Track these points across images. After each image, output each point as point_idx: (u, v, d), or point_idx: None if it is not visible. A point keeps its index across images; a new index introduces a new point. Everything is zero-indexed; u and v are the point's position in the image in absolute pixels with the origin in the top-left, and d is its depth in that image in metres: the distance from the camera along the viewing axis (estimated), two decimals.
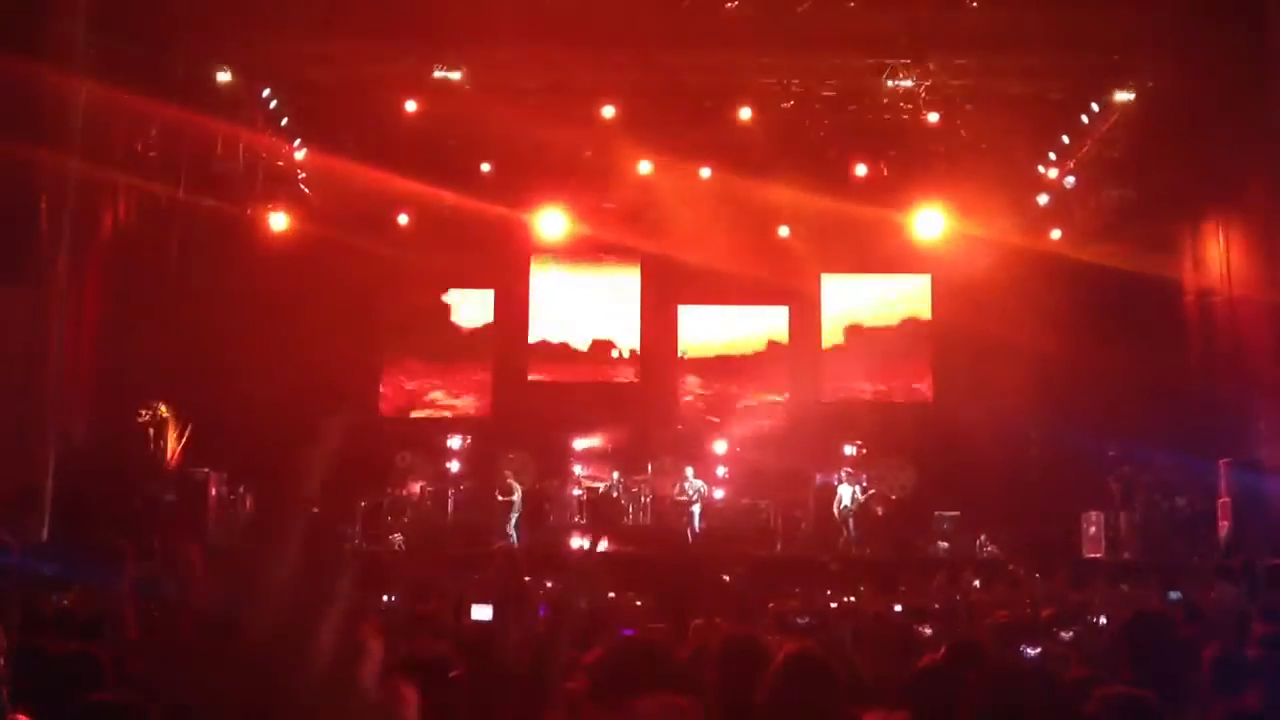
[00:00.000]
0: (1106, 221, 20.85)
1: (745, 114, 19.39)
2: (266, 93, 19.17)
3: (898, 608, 9.87)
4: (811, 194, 21.30)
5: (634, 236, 22.91)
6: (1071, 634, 6.59)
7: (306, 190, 21.70)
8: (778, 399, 23.77)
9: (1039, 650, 6.19)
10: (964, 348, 21.45)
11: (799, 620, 6.32)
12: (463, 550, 17.04)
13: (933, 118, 19.37)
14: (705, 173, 21.01)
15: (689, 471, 20.31)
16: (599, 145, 20.78)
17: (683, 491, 20.06)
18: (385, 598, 10.13)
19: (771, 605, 9.63)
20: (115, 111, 17.26)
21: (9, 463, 15.12)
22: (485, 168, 21.03)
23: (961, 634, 6.93)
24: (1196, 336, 19.44)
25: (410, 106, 19.42)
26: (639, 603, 11.44)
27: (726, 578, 12.66)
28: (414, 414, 23.46)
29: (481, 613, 6.56)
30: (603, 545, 19.49)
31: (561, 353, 23.81)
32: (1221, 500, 17.65)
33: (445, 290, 23.79)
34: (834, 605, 11.31)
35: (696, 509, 19.88)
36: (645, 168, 21.11)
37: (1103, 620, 7.90)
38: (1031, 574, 14.87)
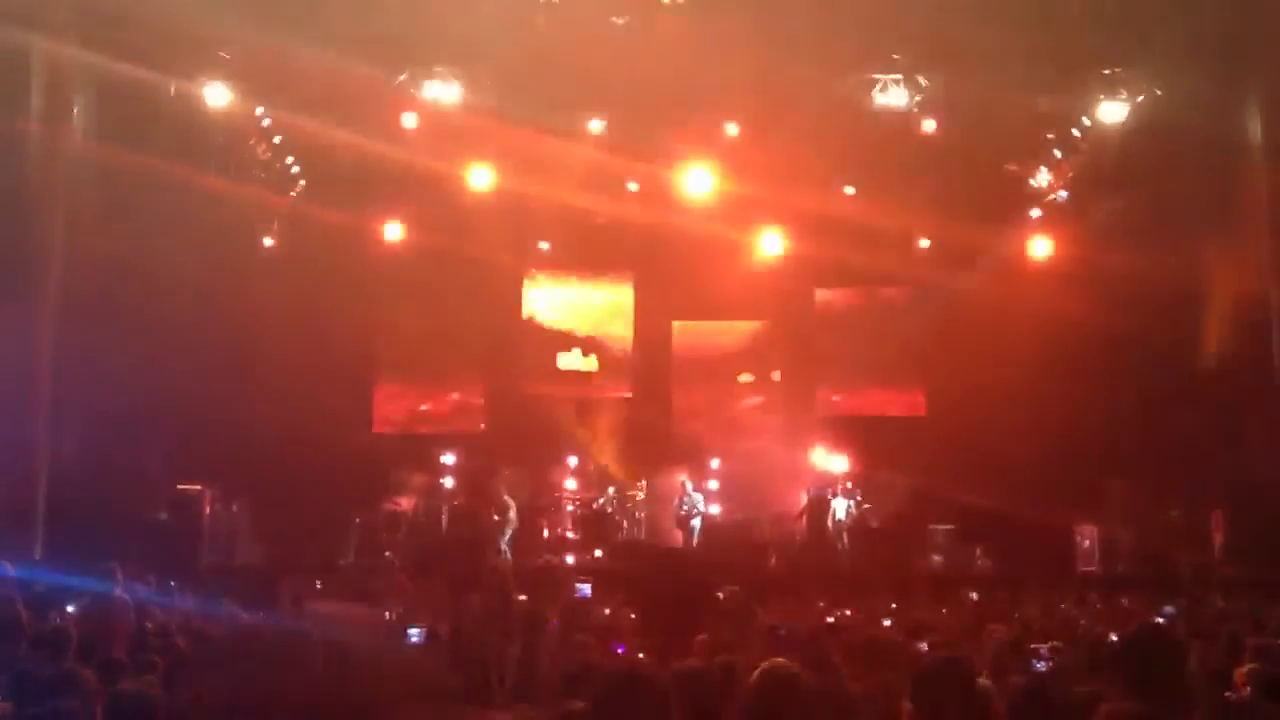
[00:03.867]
0: (1097, 234, 20.88)
1: (733, 129, 19.43)
2: (260, 110, 19.16)
3: (886, 622, 9.87)
4: (803, 207, 21.32)
5: (627, 251, 22.93)
6: (1059, 646, 6.59)
7: (300, 206, 21.66)
8: (772, 412, 23.73)
9: (1048, 664, 6.19)
10: (957, 361, 21.45)
11: (780, 632, 6.31)
12: (457, 567, 16.95)
13: (928, 126, 19.37)
14: (697, 186, 20.98)
15: (688, 485, 20.30)
16: (589, 160, 20.79)
17: (682, 505, 20.04)
18: (387, 614, 10.14)
19: (764, 621, 9.62)
20: (107, 129, 17.27)
21: (1, 480, 15.08)
22: (478, 182, 21.00)
23: (959, 649, 6.93)
24: (1188, 346, 19.45)
25: (407, 122, 19.43)
26: (633, 616, 11.45)
27: (721, 594, 12.60)
28: (407, 430, 23.39)
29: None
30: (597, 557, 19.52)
31: (555, 368, 23.79)
32: (1215, 512, 17.70)
33: (439, 305, 23.75)
34: (830, 619, 11.30)
35: (696, 522, 19.87)
36: (634, 186, 21.15)
37: (1113, 637, 7.88)
38: (1027, 587, 14.87)
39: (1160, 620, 9.71)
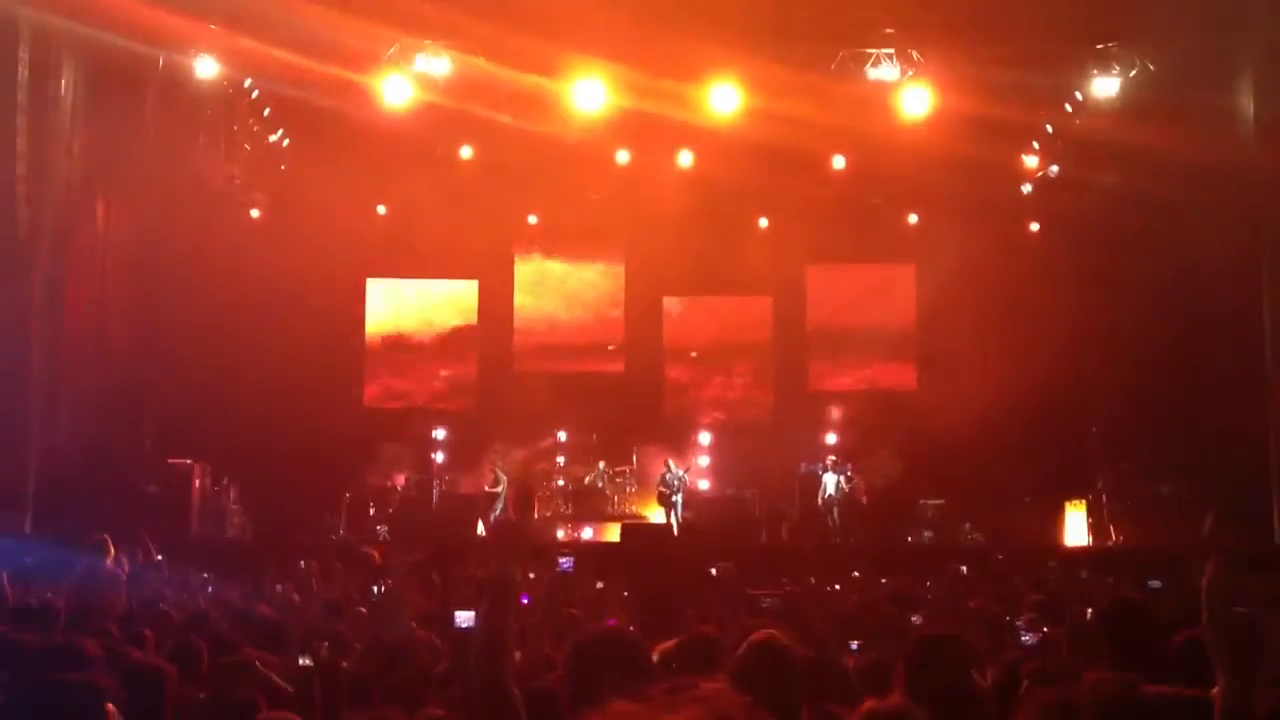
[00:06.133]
0: (1088, 210, 20.87)
1: (726, 104, 19.32)
2: (248, 83, 19.03)
3: (875, 595, 9.89)
4: (794, 184, 21.27)
5: (617, 227, 22.87)
6: (1035, 619, 6.62)
7: (290, 181, 21.57)
8: (763, 387, 23.76)
9: (1037, 637, 6.21)
10: (948, 336, 21.46)
11: (764, 604, 6.33)
12: (448, 542, 16.97)
13: (915, 109, 19.29)
14: (686, 161, 20.92)
15: (670, 463, 20.35)
16: (580, 135, 20.70)
17: (664, 482, 20.09)
18: (375, 588, 10.17)
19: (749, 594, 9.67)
20: (95, 101, 17.17)
21: None
22: (466, 156, 20.91)
23: (947, 623, 6.95)
24: (1180, 324, 19.47)
25: (393, 96, 19.29)
26: (625, 594, 11.48)
27: (714, 570, 12.66)
28: (399, 405, 23.39)
29: (465, 619, 6.47)
30: (588, 533, 19.59)
31: (546, 344, 23.76)
32: (1203, 485, 17.72)
33: (429, 280, 23.74)
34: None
35: (679, 499, 19.91)
36: (624, 157, 21.07)
37: (1089, 611, 7.93)
38: (1015, 561, 14.91)
39: (1131, 595, 9.73)
